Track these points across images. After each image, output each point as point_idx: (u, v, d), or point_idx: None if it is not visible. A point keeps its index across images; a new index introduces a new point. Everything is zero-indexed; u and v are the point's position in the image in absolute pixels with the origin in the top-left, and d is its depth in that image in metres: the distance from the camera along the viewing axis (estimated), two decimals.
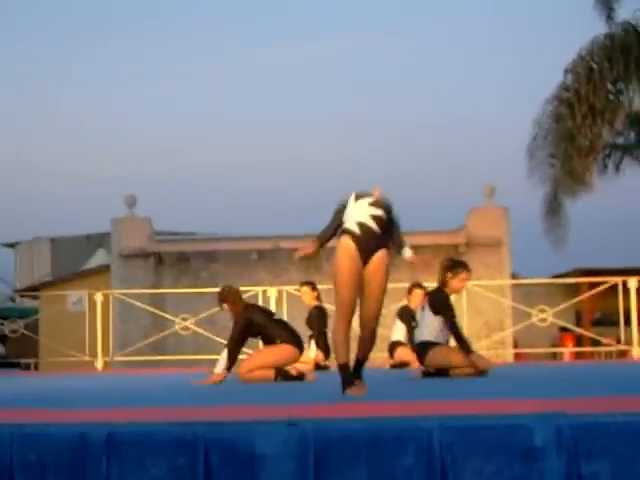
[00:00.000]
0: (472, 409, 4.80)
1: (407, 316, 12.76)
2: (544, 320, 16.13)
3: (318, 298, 12.91)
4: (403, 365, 12.45)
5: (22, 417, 4.95)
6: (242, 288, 17.15)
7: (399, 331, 12.76)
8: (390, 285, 14.79)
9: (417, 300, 12.84)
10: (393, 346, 12.79)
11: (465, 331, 17.36)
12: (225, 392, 7.37)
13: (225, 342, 9.58)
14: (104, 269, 23.39)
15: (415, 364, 12.22)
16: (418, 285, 13.18)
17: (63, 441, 4.27)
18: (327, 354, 12.74)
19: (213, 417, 4.62)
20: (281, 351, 9.47)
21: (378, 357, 15.60)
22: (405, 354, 12.56)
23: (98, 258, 29.45)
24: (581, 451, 4.06)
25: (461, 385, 7.85)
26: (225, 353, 9.17)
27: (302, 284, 13.25)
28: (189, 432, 4.19)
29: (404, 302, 13.10)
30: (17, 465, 4.24)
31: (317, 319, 12.67)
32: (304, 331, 13.18)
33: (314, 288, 12.97)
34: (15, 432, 4.31)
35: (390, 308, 15.70)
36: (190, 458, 4.16)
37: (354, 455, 4.09)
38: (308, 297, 12.87)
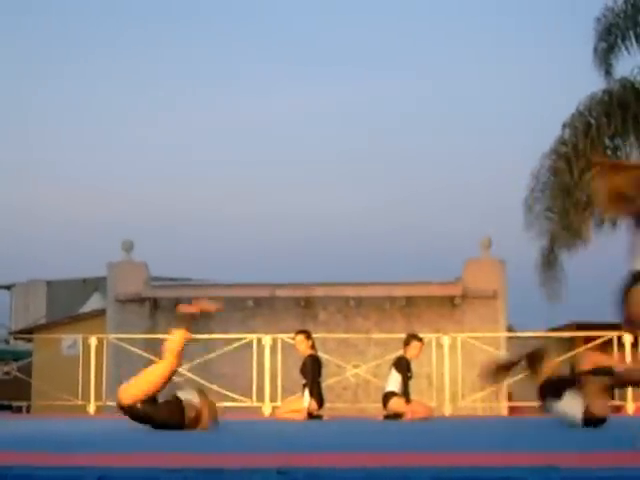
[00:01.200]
0: (465, 461, 4.78)
1: (403, 366, 12.73)
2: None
3: (313, 347, 12.91)
4: (397, 416, 12.40)
5: (12, 460, 4.91)
6: (237, 336, 17.20)
7: (394, 381, 12.73)
8: (386, 335, 14.85)
9: (414, 351, 12.83)
10: (387, 396, 12.76)
11: (459, 382, 17.40)
12: (217, 439, 7.33)
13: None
14: (99, 313, 23.38)
15: (408, 415, 12.19)
16: (415, 336, 13.17)
17: None
18: (320, 403, 12.71)
19: (204, 464, 4.59)
20: None
21: (372, 407, 15.58)
22: (399, 405, 12.52)
23: (94, 302, 29.42)
24: None
25: (455, 437, 7.82)
26: None
27: (297, 333, 13.26)
28: (180, 478, 4.17)
29: (400, 352, 13.08)
30: None
31: (311, 368, 12.66)
32: (298, 380, 13.16)
33: (308, 337, 12.97)
34: (5, 475, 4.28)
35: (385, 358, 15.71)
36: None
37: None
38: (302, 346, 12.88)
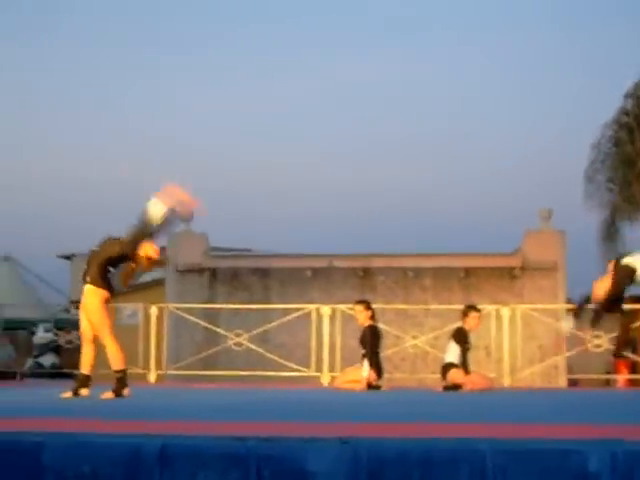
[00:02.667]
0: (526, 433, 4.76)
1: (462, 338, 12.69)
2: (599, 346, 15.96)
3: (372, 317, 12.90)
4: (456, 387, 12.37)
5: (76, 427, 4.98)
6: (295, 306, 17.25)
7: (453, 352, 12.70)
8: (444, 307, 14.78)
9: (472, 322, 12.79)
10: (446, 367, 12.73)
11: (517, 354, 17.31)
12: (278, 409, 7.37)
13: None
14: (159, 283, 23.53)
15: (468, 386, 12.15)
16: (473, 308, 13.12)
17: (116, 452, 4.29)
18: (379, 373, 12.71)
19: (266, 433, 4.61)
20: None
21: (430, 378, 15.56)
22: (458, 376, 12.49)
23: (154, 272, 29.61)
24: (637, 479, 3.99)
25: (515, 408, 7.79)
26: None
27: (356, 302, 13.25)
28: (242, 447, 4.19)
29: (459, 324, 13.03)
30: (70, 475, 4.26)
31: (371, 338, 12.66)
32: (356, 350, 13.18)
33: (368, 307, 12.96)
34: (69, 442, 4.34)
35: (444, 330, 15.68)
36: (242, 473, 4.15)
37: (406, 475, 4.06)
38: (362, 316, 12.87)
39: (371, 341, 12.62)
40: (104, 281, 9.34)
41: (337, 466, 4.10)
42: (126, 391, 9.24)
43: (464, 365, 12.47)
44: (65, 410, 6.99)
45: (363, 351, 12.68)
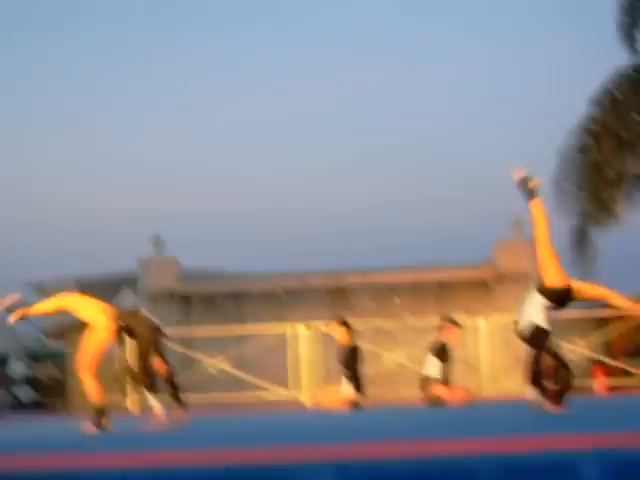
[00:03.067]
0: (518, 446, 4.73)
1: (441, 352, 12.68)
2: (574, 352, 16.02)
3: (350, 335, 12.85)
4: (438, 402, 12.35)
5: (59, 462, 4.91)
6: (270, 325, 17.19)
7: (433, 366, 12.67)
8: (420, 321, 14.60)
9: (452, 337, 12.79)
10: (425, 381, 12.71)
11: (495, 365, 17.32)
12: (266, 433, 7.31)
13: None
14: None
15: (449, 400, 12.14)
16: (451, 320, 13.11)
17: None
18: (359, 390, 12.69)
19: (255, 458, 4.56)
20: None
21: (408, 393, 15.52)
22: (439, 390, 12.47)
23: (124, 299, 29.45)
24: None
25: (501, 420, 7.77)
26: None
27: (336, 321, 13.20)
28: (237, 476, 4.14)
29: (437, 337, 13.02)
30: None
31: (352, 359, 12.62)
32: (335, 367, 13.14)
33: (345, 324, 12.91)
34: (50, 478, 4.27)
35: (420, 344, 15.66)
36: None
37: None
38: (340, 334, 12.82)
39: (352, 361, 12.58)
40: None
41: None
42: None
43: (444, 379, 12.46)
44: (46, 443, 6.91)
45: (344, 370, 12.63)
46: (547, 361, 8.75)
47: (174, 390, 9.28)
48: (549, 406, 8.48)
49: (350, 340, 12.76)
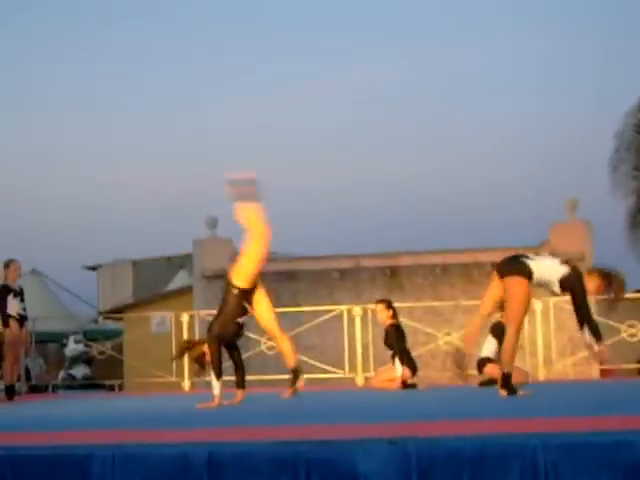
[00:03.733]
0: (574, 426, 4.72)
1: (500, 332, 12.59)
2: (633, 335, 15.87)
3: (394, 316, 12.84)
4: (492, 382, 12.29)
5: (123, 438, 4.98)
6: (326, 307, 17.22)
7: (490, 347, 12.60)
8: (474, 302, 14.56)
9: None
10: (482, 362, 12.64)
11: (552, 348, 17.22)
12: (325, 411, 7.35)
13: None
14: (186, 290, 23.58)
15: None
16: None
17: (165, 462, 4.29)
18: (414, 370, 12.67)
19: (314, 436, 4.59)
20: None
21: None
22: (495, 371, 12.40)
23: (180, 279, 29.69)
24: None
25: (562, 401, 7.74)
26: None
27: (377, 302, 13.19)
28: (290, 451, 4.18)
29: (497, 317, 12.91)
30: None
31: (396, 337, 12.59)
32: (383, 349, 13.13)
33: (389, 306, 12.90)
34: (117, 453, 4.34)
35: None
36: (291, 477, 4.14)
37: (457, 474, 4.04)
38: (383, 315, 12.81)
39: (397, 339, 12.56)
40: None
41: (387, 467, 4.08)
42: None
43: (499, 360, 12.40)
44: (108, 421, 7.01)
45: (390, 352, 12.63)
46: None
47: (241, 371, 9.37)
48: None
49: (392, 321, 12.75)
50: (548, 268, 8.71)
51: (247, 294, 8.96)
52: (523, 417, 5.50)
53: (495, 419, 5.40)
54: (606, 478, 3.99)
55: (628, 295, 19.82)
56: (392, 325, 12.69)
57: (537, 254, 9.40)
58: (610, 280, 8.80)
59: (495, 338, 12.47)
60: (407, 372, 12.50)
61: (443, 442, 4.16)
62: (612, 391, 9.83)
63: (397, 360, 12.53)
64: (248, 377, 16.92)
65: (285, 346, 9.69)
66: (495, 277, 8.78)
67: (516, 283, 8.60)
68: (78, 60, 55.24)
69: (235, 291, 8.88)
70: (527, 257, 8.81)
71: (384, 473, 4.08)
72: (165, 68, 56.77)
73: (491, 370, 12.40)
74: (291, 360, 9.64)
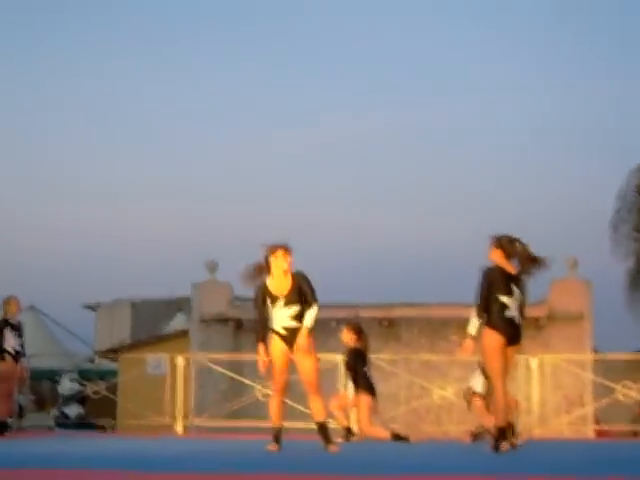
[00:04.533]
0: None
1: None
2: (628, 396, 15.85)
3: (358, 340, 12.89)
4: (481, 434, 12.30)
5: (116, 478, 4.97)
6: (320, 355, 17.19)
7: (478, 382, 12.69)
8: (470, 358, 14.42)
9: None
10: (469, 393, 12.78)
11: (545, 405, 17.19)
12: (317, 460, 7.33)
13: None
14: (183, 333, 23.55)
15: (489, 423, 12.14)
16: None
17: None
18: (372, 393, 12.70)
19: None
20: None
21: (455, 430, 15.41)
22: (481, 410, 12.49)
23: (177, 322, 29.65)
24: None
25: (553, 459, 7.72)
26: None
27: (345, 325, 13.29)
28: None
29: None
30: None
31: (354, 360, 12.75)
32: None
33: (358, 331, 12.99)
34: None
35: (469, 381, 15.56)
36: None
37: None
38: (347, 337, 12.96)
39: (355, 362, 12.65)
40: None
41: None
42: None
43: (486, 394, 12.34)
44: (103, 461, 6.98)
45: (349, 372, 12.76)
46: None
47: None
48: None
49: (355, 343, 12.81)
50: None
51: None
52: (514, 473, 5.49)
53: (484, 475, 5.38)
54: None
55: (624, 356, 19.87)
56: (354, 349, 12.78)
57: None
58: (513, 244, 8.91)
59: (484, 376, 12.50)
60: (367, 399, 12.49)
61: None
62: (604, 451, 9.80)
63: (350, 383, 12.60)
64: (243, 424, 16.94)
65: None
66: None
67: (485, 334, 8.84)
68: (87, 90, 55.57)
69: None
70: None
71: None
72: (166, 107, 57.04)
73: (479, 407, 12.44)
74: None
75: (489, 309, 8.88)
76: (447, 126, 54.54)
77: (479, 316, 8.96)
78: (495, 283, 8.92)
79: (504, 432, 8.63)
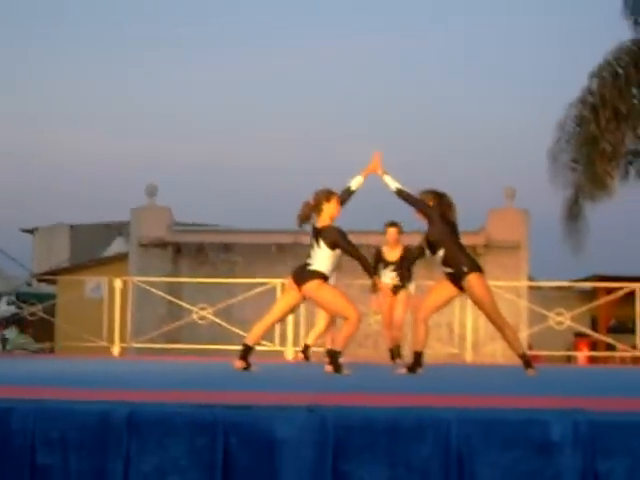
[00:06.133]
0: (490, 403, 4.83)
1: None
2: (561, 323, 16.13)
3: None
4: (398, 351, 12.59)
5: (45, 394, 4.99)
6: (260, 280, 17.26)
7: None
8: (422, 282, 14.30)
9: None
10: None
11: (480, 331, 17.45)
12: (247, 379, 7.41)
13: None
14: (122, 257, 23.50)
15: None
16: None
17: (85, 419, 4.32)
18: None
19: (233, 401, 4.65)
20: None
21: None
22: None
23: (116, 246, 29.56)
24: (598, 448, 4.07)
25: (479, 380, 7.88)
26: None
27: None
28: (209, 414, 4.23)
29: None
30: (39, 441, 4.29)
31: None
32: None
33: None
34: (38, 409, 4.36)
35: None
36: (209, 440, 4.19)
37: (373, 443, 4.12)
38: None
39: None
40: None
41: (304, 433, 4.14)
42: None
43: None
44: (32, 379, 7.00)
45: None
46: None
47: None
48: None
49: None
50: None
51: None
52: (440, 393, 5.61)
53: (413, 393, 5.50)
54: (516, 453, 4.09)
55: (557, 283, 20.19)
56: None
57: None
58: (440, 197, 9.04)
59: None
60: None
61: (360, 412, 4.23)
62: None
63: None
64: (179, 346, 17.00)
65: None
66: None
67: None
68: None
69: None
70: None
71: (301, 439, 4.14)
72: (111, 34, 56.22)
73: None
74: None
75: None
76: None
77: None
78: None
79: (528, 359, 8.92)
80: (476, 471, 4.07)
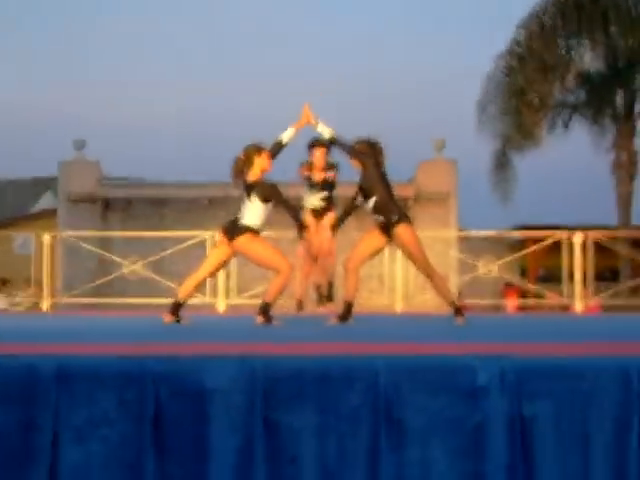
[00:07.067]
0: (418, 350, 4.88)
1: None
2: (489, 272, 16.31)
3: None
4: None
5: None
6: (190, 233, 17.20)
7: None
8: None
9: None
10: None
11: (410, 282, 17.60)
12: (177, 331, 7.40)
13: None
14: (51, 213, 23.26)
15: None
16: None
17: (11, 372, 4.28)
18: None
19: (162, 352, 4.65)
20: None
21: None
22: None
23: (45, 202, 29.23)
24: (524, 393, 4.14)
25: (408, 329, 7.96)
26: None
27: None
28: (138, 366, 4.22)
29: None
30: None
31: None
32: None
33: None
34: None
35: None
36: (139, 392, 4.19)
37: (302, 391, 4.15)
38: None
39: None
40: None
41: (234, 383, 4.16)
42: None
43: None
44: None
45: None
46: None
47: None
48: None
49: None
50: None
51: None
52: (368, 341, 5.66)
53: (341, 342, 5.54)
54: (444, 399, 4.14)
55: (486, 233, 20.42)
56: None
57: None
58: (374, 145, 9.07)
59: None
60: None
61: (289, 361, 4.26)
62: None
63: None
64: (110, 300, 16.92)
65: None
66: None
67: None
68: None
69: None
70: None
71: (231, 389, 4.16)
72: None
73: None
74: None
75: None
76: None
77: None
78: None
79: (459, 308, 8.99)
80: (404, 417, 4.12)
